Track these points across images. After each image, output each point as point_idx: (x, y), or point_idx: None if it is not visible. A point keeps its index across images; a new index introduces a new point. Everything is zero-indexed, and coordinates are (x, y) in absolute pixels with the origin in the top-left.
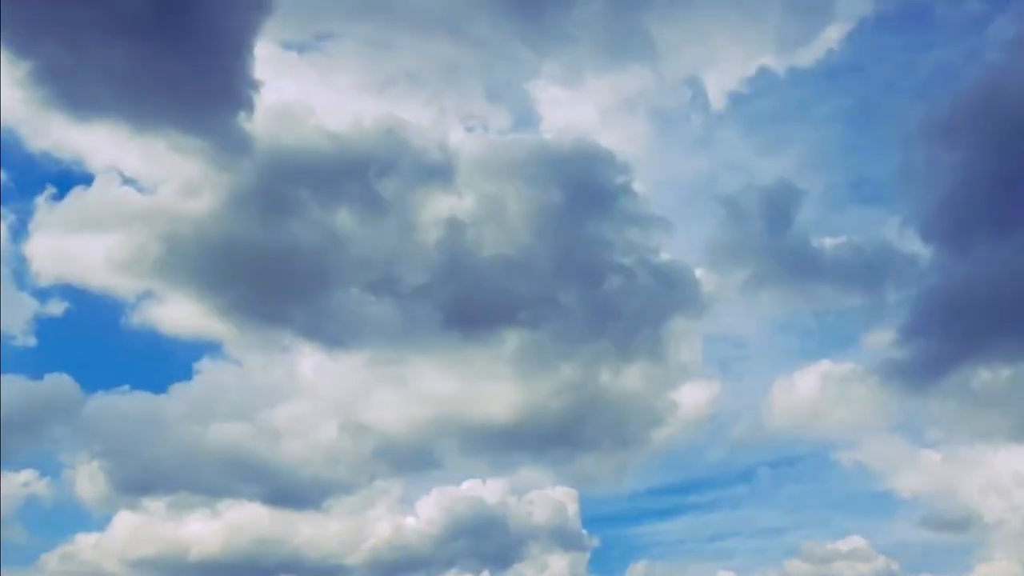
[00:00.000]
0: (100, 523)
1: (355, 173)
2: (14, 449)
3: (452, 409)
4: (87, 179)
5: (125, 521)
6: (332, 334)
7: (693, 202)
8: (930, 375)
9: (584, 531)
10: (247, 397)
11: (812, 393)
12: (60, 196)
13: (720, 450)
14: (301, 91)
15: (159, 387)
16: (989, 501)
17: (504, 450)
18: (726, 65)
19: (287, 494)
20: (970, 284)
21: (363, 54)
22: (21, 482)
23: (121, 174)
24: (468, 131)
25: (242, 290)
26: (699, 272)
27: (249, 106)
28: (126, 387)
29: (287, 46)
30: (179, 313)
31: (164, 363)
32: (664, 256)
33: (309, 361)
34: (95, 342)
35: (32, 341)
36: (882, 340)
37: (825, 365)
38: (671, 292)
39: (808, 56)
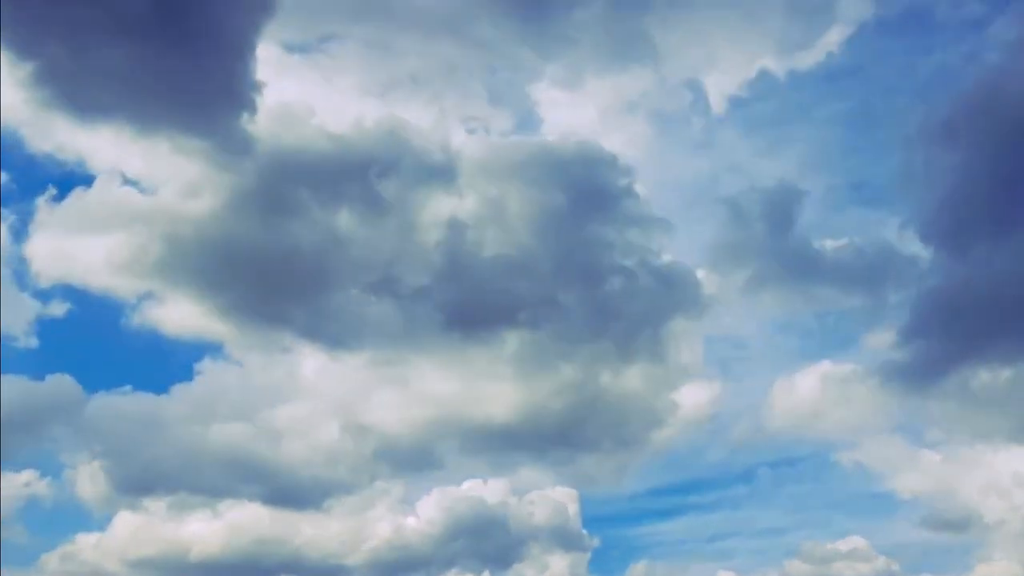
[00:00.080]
0: (101, 523)
1: (356, 174)
2: (15, 449)
3: (453, 409)
4: (88, 180)
5: (126, 521)
6: (333, 335)
7: (694, 204)
8: (930, 376)
9: (584, 531)
10: (248, 397)
11: (812, 394)
12: (61, 197)
13: (720, 450)
14: (303, 92)
15: (160, 387)
16: (989, 501)
17: (504, 450)
18: (727, 68)
19: (288, 494)
20: (970, 285)
21: (365, 55)
22: (22, 482)
23: (122, 175)
24: (469, 133)
25: (243, 291)
26: (700, 273)
27: (251, 107)
28: (127, 388)
29: (289, 47)
30: (180, 314)
31: (165, 364)
32: (665, 257)
33: (310, 362)
34: (96, 343)
35: (34, 342)
36: (882, 341)
37: (825, 366)
38: (672, 293)
39: (808, 59)
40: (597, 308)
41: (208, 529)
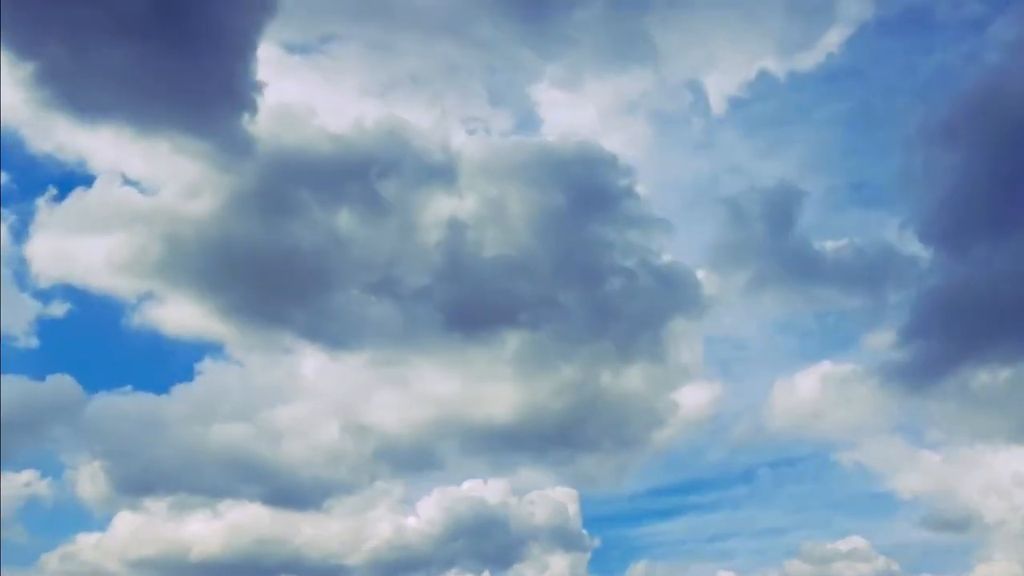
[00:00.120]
0: (101, 523)
1: (356, 174)
2: (16, 449)
3: (453, 410)
4: (88, 180)
5: (126, 521)
6: (333, 335)
7: (694, 204)
8: (930, 376)
9: (585, 531)
10: (248, 398)
11: (812, 394)
12: (61, 197)
13: (721, 451)
14: (303, 92)
15: (161, 388)
16: (989, 502)
17: (505, 451)
18: (727, 68)
19: (288, 494)
20: (970, 285)
21: (365, 56)
22: (23, 482)
23: (123, 175)
24: (470, 133)
25: (243, 291)
26: (700, 273)
27: (252, 108)
28: (128, 388)
29: (290, 48)
30: (181, 314)
31: (166, 364)
32: (665, 258)
33: (310, 362)
34: (97, 343)
35: (34, 342)
36: (882, 341)
37: (826, 366)
38: (672, 293)
39: (809, 60)
40: (597, 308)
41: (208, 529)
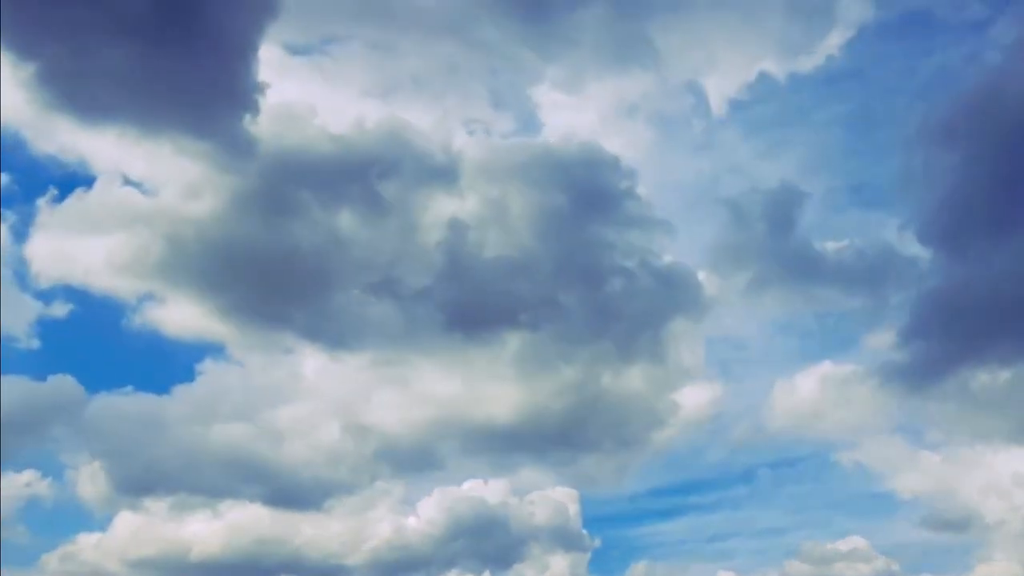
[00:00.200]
0: (101, 523)
1: (357, 175)
2: (16, 450)
3: (453, 410)
4: (89, 181)
5: (126, 521)
6: (334, 335)
7: (695, 205)
8: (930, 377)
9: (585, 531)
10: (249, 398)
11: (813, 394)
12: (62, 198)
13: (721, 451)
14: (305, 93)
15: (162, 388)
16: (989, 502)
17: (505, 451)
18: (727, 70)
19: (288, 495)
20: (970, 286)
21: (367, 57)
22: (23, 482)
23: (124, 176)
24: (470, 135)
25: (244, 291)
26: (701, 274)
27: (254, 109)
28: (128, 388)
29: (291, 49)
30: (181, 314)
31: (166, 364)
32: (666, 258)
33: (311, 362)
34: (98, 343)
35: (35, 343)
36: (882, 342)
37: (826, 367)
38: (673, 294)
39: (809, 62)
40: (598, 309)
41: (209, 529)
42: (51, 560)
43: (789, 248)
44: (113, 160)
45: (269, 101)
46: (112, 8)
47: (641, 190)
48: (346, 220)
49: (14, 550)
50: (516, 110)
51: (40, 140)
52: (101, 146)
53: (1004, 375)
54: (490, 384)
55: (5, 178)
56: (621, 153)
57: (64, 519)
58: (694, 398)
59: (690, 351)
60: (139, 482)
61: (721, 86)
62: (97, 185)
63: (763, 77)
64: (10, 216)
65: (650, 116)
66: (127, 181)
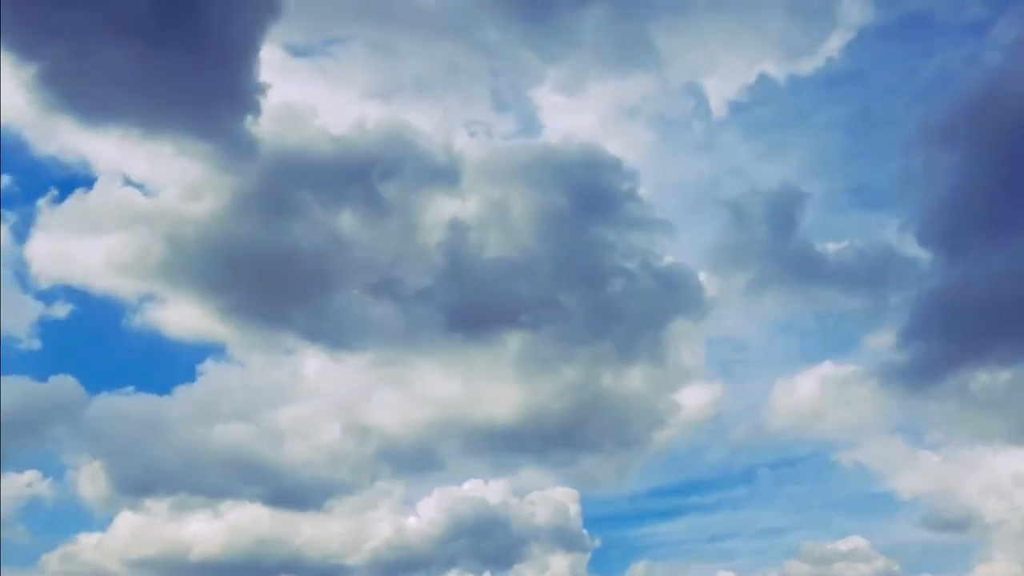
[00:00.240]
0: (102, 523)
1: (358, 175)
2: (17, 450)
3: (454, 410)
4: (89, 181)
5: (127, 521)
6: (335, 336)
7: (696, 206)
8: (930, 377)
9: (585, 532)
10: (250, 398)
11: (813, 395)
12: (62, 198)
13: (721, 451)
14: (306, 94)
15: (163, 389)
16: (989, 502)
17: (506, 451)
18: (727, 72)
19: (289, 495)
20: (969, 287)
21: (368, 58)
22: (24, 483)
23: (124, 176)
24: (471, 136)
25: (245, 292)
26: (701, 275)
27: (255, 109)
28: (129, 388)
29: (293, 50)
30: (182, 315)
31: (168, 365)
32: (667, 259)
33: (312, 363)
34: (98, 344)
35: (36, 343)
36: (883, 342)
37: (826, 367)
38: (673, 295)
39: (809, 64)
40: (599, 310)
41: (209, 529)
42: (51, 560)
43: (789, 249)
44: (114, 161)
45: (270, 102)
46: (113, 9)
47: (642, 191)
48: (347, 221)
49: (14, 550)
50: (517, 111)
51: (41, 141)
52: (102, 147)
53: (1004, 375)
54: (491, 384)
55: (6, 179)
56: (621, 154)
57: (64, 519)
58: (694, 398)
59: (690, 351)
60: (140, 482)
61: (721, 88)
62: (97, 185)
63: (763, 79)
64: (11, 217)
65: (650, 117)
66: (128, 181)
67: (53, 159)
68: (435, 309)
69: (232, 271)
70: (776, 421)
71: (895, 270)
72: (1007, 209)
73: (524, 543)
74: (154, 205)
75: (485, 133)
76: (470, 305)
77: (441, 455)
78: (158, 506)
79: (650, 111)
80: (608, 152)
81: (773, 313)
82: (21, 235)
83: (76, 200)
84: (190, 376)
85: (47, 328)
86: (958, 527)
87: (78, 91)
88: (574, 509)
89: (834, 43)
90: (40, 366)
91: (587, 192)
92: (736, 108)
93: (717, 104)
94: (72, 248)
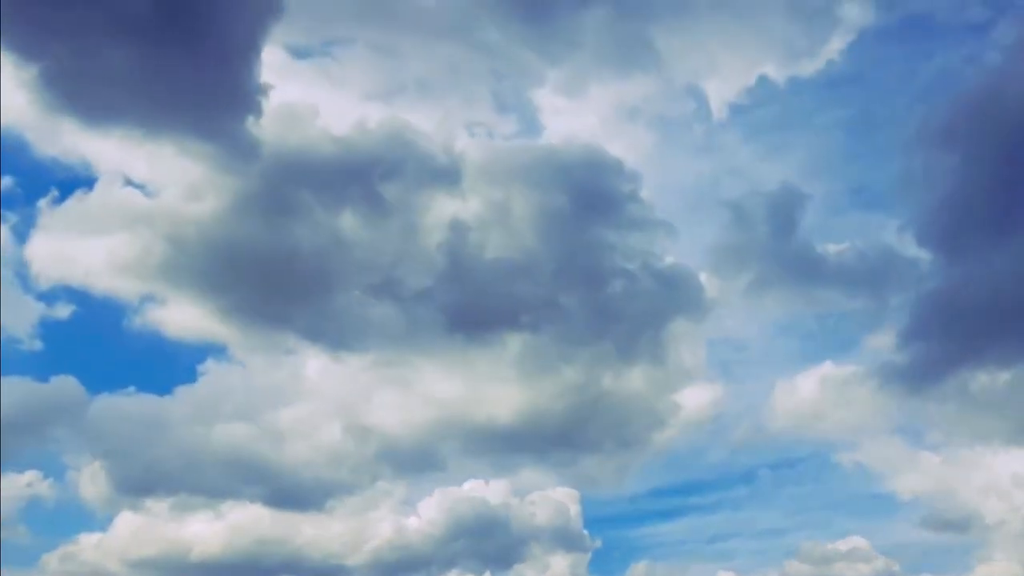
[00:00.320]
0: (102, 523)
1: (359, 176)
2: (18, 450)
3: (455, 411)
4: (90, 182)
5: (127, 522)
6: (336, 336)
7: (696, 207)
8: (930, 378)
9: (585, 532)
10: (250, 399)
11: (813, 395)
12: (63, 199)
13: (721, 452)
14: (307, 95)
15: (163, 389)
16: (989, 502)
17: (506, 451)
18: (728, 74)
19: (290, 495)
20: (969, 288)
21: (370, 59)
22: (25, 483)
23: (125, 177)
24: (472, 137)
25: (246, 292)
26: (702, 276)
27: (257, 110)
28: (130, 389)
29: (294, 51)
30: (183, 315)
31: (168, 365)
32: (667, 260)
33: (313, 363)
34: (99, 344)
35: (37, 344)
36: (883, 343)
37: (826, 367)
38: (674, 295)
39: (810, 66)
40: (599, 310)
41: (209, 530)
42: (52, 560)
43: (790, 250)
44: (115, 161)
45: (272, 103)
46: (114, 9)
47: (642, 192)
48: (348, 221)
49: (15, 550)
50: (518, 112)
51: (42, 142)
52: (103, 147)
53: (1004, 376)
54: (491, 385)
55: (6, 180)
56: (622, 156)
57: (65, 519)
58: (695, 399)
59: (691, 352)
60: (140, 482)
61: (722, 89)
62: (98, 186)
63: (764, 81)
64: (11, 217)
65: (651, 119)
66: (129, 182)
67: (54, 160)
68: (436, 310)
69: (233, 271)
70: (776, 421)
71: (895, 271)
72: (1007, 210)
73: (524, 543)
74: (155, 206)
75: (486, 134)
76: (471, 306)
77: (442, 455)
78: (159, 506)
79: (651, 112)
80: (609, 153)
81: (773, 314)
82: (22, 236)
83: (77, 201)
84: (191, 376)
85: (48, 329)
86: (958, 527)
87: (79, 92)
88: (574, 509)
89: (834, 45)
90: (41, 366)
91: (587, 193)
92: (737, 109)
93: (718, 105)
94: (73, 249)
